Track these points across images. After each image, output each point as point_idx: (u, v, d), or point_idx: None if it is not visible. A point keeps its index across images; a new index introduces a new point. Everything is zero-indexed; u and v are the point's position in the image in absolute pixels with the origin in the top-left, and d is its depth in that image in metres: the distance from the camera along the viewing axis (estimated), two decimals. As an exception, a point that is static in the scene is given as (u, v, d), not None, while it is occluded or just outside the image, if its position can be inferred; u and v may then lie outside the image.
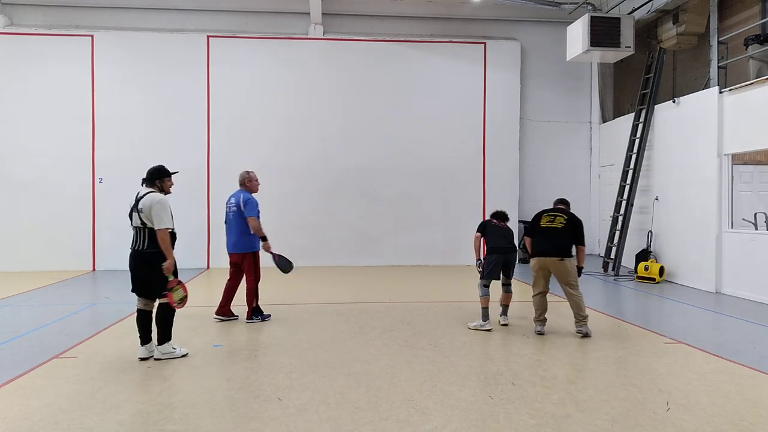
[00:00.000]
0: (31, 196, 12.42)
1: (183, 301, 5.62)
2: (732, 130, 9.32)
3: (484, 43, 13.62)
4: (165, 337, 5.53)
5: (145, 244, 5.38)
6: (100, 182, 12.62)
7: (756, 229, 9.80)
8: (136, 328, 5.55)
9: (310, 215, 13.16)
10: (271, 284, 10.59)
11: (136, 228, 5.46)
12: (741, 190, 10.13)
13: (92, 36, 12.65)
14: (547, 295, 6.75)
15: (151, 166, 5.73)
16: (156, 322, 5.51)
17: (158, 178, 5.63)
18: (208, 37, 12.92)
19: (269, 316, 7.34)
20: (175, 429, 3.86)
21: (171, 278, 5.44)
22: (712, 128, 9.59)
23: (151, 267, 5.35)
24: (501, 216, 7.23)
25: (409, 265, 13.26)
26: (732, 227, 9.52)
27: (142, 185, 5.60)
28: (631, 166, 11.86)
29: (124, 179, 12.49)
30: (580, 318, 6.46)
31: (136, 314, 5.58)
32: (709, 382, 4.83)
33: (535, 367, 5.23)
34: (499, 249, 6.89)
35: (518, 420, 4.00)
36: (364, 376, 4.96)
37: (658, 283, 10.50)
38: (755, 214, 10.03)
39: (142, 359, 5.49)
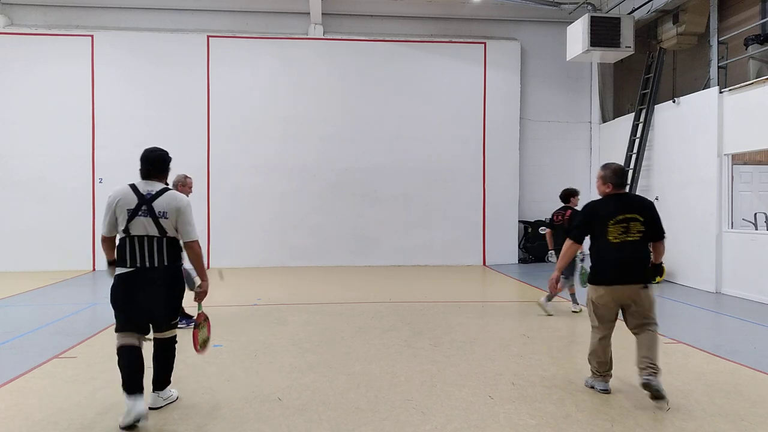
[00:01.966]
0: (31, 196, 12.43)
1: (206, 344, 4.44)
2: (732, 130, 9.32)
3: (484, 43, 13.62)
4: (168, 378, 4.25)
5: (160, 259, 3.97)
6: (100, 182, 12.62)
7: (756, 229, 9.81)
8: (120, 375, 3.91)
9: (310, 215, 13.16)
10: (271, 284, 10.61)
11: (144, 238, 3.94)
12: (741, 190, 10.13)
13: (92, 36, 12.65)
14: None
15: (150, 150, 4.20)
16: (158, 361, 4.17)
17: (167, 167, 4.27)
18: (208, 37, 12.92)
19: (192, 318, 6.14)
20: (175, 429, 3.86)
21: (200, 310, 4.34)
22: (712, 128, 9.58)
23: (170, 290, 4.07)
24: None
25: (409, 265, 13.26)
26: (732, 227, 9.52)
27: (146, 178, 4.13)
28: (631, 166, 11.86)
29: (124, 179, 12.46)
30: (653, 365, 4.24)
31: (121, 354, 3.92)
32: (709, 382, 4.83)
33: (535, 367, 5.23)
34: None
35: (518, 420, 4.00)
36: (364, 376, 4.96)
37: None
38: (755, 214, 10.03)
39: (135, 423, 3.79)
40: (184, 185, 6.61)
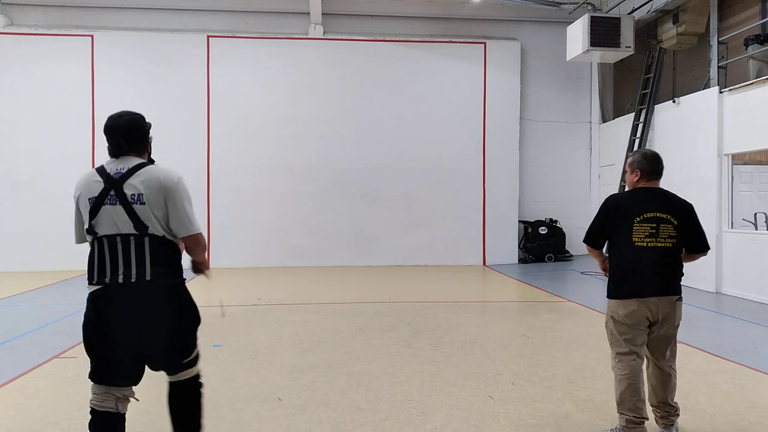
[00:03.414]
0: (31, 196, 12.43)
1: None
2: (732, 130, 9.32)
3: (484, 43, 13.62)
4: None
5: (140, 271, 2.72)
6: (100, 182, 12.60)
7: (756, 229, 9.81)
8: None
9: (310, 215, 13.16)
10: (271, 284, 10.60)
11: (116, 239, 2.73)
12: (741, 190, 10.14)
13: (92, 36, 12.65)
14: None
15: (116, 117, 2.90)
16: (174, 411, 3.02)
17: (147, 135, 3.00)
18: (208, 37, 12.92)
19: None
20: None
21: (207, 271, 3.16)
22: (712, 128, 9.58)
23: (173, 312, 2.84)
24: None
25: (409, 265, 13.26)
26: (732, 227, 9.52)
27: (117, 155, 2.85)
28: (631, 166, 11.85)
29: (124, 179, 12.52)
30: (673, 408, 3.67)
31: (91, 422, 2.83)
32: (709, 382, 4.83)
33: (535, 367, 5.23)
34: None
35: (518, 420, 4.00)
36: (364, 376, 4.96)
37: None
38: (755, 214, 10.03)
39: None
40: None
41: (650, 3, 11.07)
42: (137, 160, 2.86)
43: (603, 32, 10.49)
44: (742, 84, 9.10)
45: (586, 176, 14.33)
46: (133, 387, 2.94)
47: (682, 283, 3.62)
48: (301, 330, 6.79)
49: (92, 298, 2.78)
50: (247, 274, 11.74)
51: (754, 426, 3.91)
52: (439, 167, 13.49)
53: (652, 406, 3.67)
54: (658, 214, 3.53)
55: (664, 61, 11.72)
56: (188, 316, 2.94)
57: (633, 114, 12.11)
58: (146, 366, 2.91)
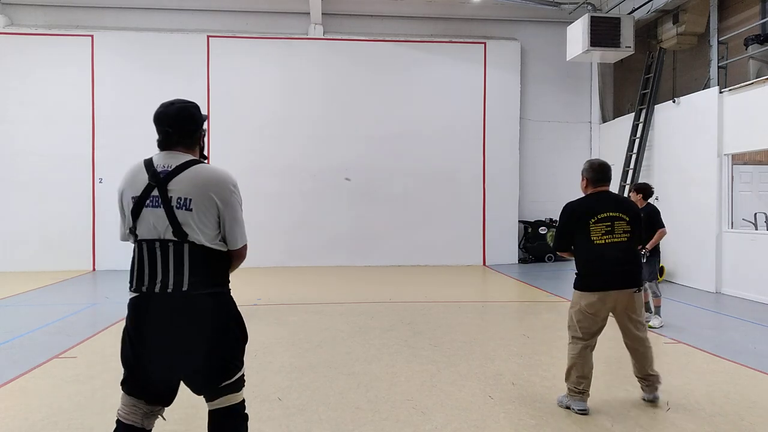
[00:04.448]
0: (31, 196, 12.42)
1: None
2: (732, 130, 9.32)
3: (484, 43, 13.62)
4: None
5: (178, 281, 2.47)
6: (100, 182, 12.62)
7: (756, 229, 9.81)
8: None
9: (310, 215, 13.15)
10: (271, 284, 10.60)
11: (155, 244, 2.50)
12: (741, 190, 10.14)
13: (92, 36, 12.65)
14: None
15: (167, 105, 2.69)
16: None
17: (201, 128, 2.70)
18: (208, 37, 12.92)
19: None
20: (175, 429, 3.86)
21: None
22: (712, 128, 9.59)
23: (215, 328, 2.55)
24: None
25: (409, 265, 13.26)
26: (732, 227, 9.53)
27: (166, 148, 2.60)
28: (631, 166, 11.86)
29: (124, 179, 12.51)
30: (653, 377, 4.29)
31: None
32: (709, 382, 4.83)
33: (535, 367, 5.23)
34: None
35: (518, 420, 4.00)
36: (364, 376, 4.96)
37: (658, 283, 10.47)
38: (755, 214, 10.04)
39: None
40: None
41: (650, 3, 11.07)
42: (186, 157, 2.57)
43: (603, 32, 10.49)
44: (742, 84, 9.10)
45: (586, 176, 14.30)
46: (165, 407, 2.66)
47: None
48: (301, 330, 6.79)
49: (131, 306, 2.55)
50: (247, 274, 11.70)
51: (754, 426, 3.91)
52: (439, 167, 13.48)
53: (636, 377, 4.32)
54: (610, 214, 4.05)
55: (664, 61, 11.72)
56: (230, 332, 2.61)
57: (633, 114, 12.11)
58: (186, 386, 2.62)
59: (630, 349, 4.28)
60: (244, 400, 2.70)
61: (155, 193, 2.46)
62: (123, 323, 2.64)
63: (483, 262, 13.57)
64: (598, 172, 4.18)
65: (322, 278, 11.27)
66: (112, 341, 6.25)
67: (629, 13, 11.13)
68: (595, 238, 4.04)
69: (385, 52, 13.40)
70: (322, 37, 13.22)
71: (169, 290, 2.44)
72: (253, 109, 13.03)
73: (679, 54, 11.76)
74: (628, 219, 4.07)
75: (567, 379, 4.19)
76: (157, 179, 2.47)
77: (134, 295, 2.53)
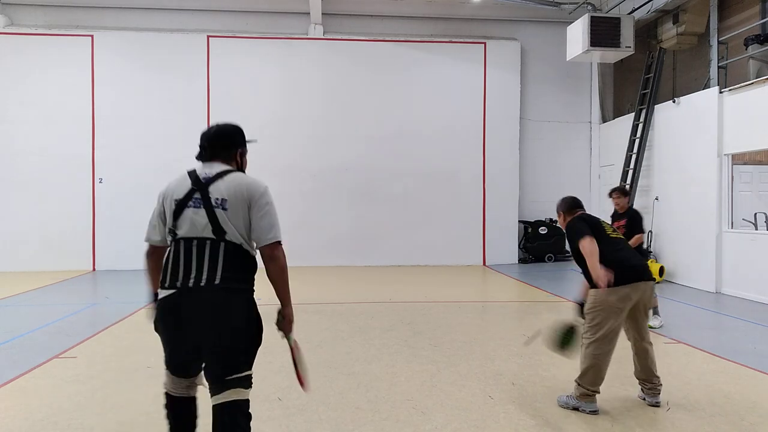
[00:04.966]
0: (31, 196, 12.42)
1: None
2: (732, 130, 9.32)
3: (484, 43, 13.62)
4: None
5: (211, 275, 2.67)
6: (100, 182, 12.62)
7: (756, 229, 9.81)
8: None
9: (310, 215, 13.15)
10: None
11: (192, 242, 2.72)
12: (741, 190, 10.13)
13: (92, 36, 12.65)
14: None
15: (217, 126, 3.10)
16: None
17: (240, 145, 3.13)
18: (208, 37, 12.92)
19: None
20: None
21: (290, 342, 3.03)
22: (712, 128, 9.58)
23: (236, 322, 2.70)
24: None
25: (409, 265, 13.26)
26: (732, 227, 9.53)
27: (205, 160, 2.93)
28: (631, 166, 11.86)
29: (124, 179, 12.52)
30: (657, 379, 4.30)
31: (167, 403, 2.96)
32: (709, 382, 4.83)
33: (535, 367, 5.22)
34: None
35: (518, 420, 4.00)
36: (364, 376, 4.96)
37: (658, 283, 10.48)
38: (755, 214, 10.03)
39: None
40: None
41: (650, 3, 11.07)
42: (224, 167, 2.88)
43: (603, 32, 10.49)
44: (742, 84, 9.10)
45: (586, 176, 14.33)
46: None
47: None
48: (301, 330, 6.77)
49: (163, 304, 2.74)
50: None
51: (754, 426, 3.91)
52: (439, 167, 13.49)
53: (640, 379, 4.30)
54: (611, 217, 4.41)
55: (664, 61, 11.72)
56: (248, 329, 2.76)
57: (633, 114, 12.11)
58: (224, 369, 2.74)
59: (639, 349, 4.23)
60: (248, 401, 2.79)
61: (197, 195, 2.75)
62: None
63: (483, 262, 13.57)
64: (570, 201, 4.53)
65: (322, 278, 11.27)
66: (112, 341, 6.25)
67: (629, 13, 11.13)
68: (611, 233, 4.29)
69: (385, 52, 13.40)
70: (322, 37, 13.22)
71: (202, 284, 2.65)
72: (253, 109, 13.02)
73: (679, 54, 11.76)
74: (624, 220, 4.59)
75: (582, 379, 4.09)
76: (200, 184, 2.78)
77: (168, 292, 2.71)
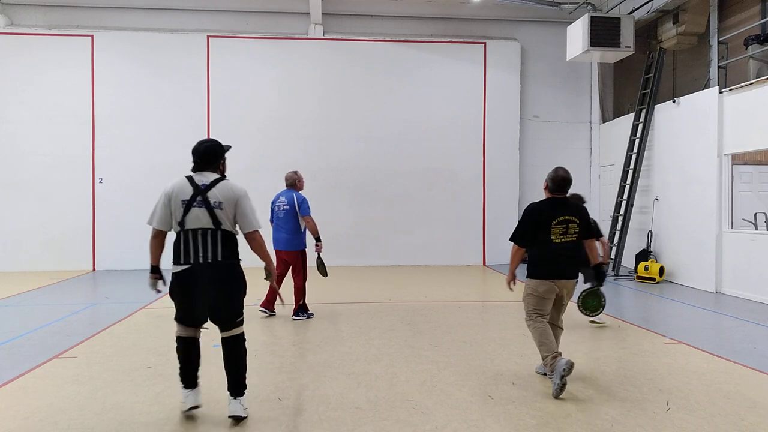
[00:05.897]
0: (31, 196, 12.42)
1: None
2: (732, 130, 9.31)
3: (484, 43, 13.62)
4: (243, 380, 4.12)
5: (214, 254, 3.90)
6: (100, 182, 12.62)
7: (756, 229, 9.80)
8: (178, 365, 4.08)
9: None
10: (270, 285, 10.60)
11: (198, 232, 3.89)
12: (741, 190, 10.13)
13: (92, 36, 12.65)
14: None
15: (199, 143, 4.11)
16: (229, 362, 4.06)
17: (221, 157, 4.12)
18: (208, 37, 12.92)
19: (312, 314, 7.56)
20: (175, 429, 3.86)
21: (271, 277, 4.44)
22: (712, 128, 9.58)
23: (233, 283, 4.02)
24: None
25: (409, 265, 13.25)
26: (732, 227, 9.52)
27: (198, 170, 4.02)
28: (631, 166, 11.86)
29: (124, 179, 12.52)
30: (559, 353, 4.66)
31: (179, 343, 4.07)
32: (709, 382, 4.83)
33: (535, 367, 5.22)
34: None
35: (518, 420, 4.00)
36: (364, 376, 4.96)
37: (658, 283, 10.49)
38: (755, 214, 10.02)
39: (191, 409, 4.07)
40: (299, 180, 7.70)
41: (650, 3, 11.06)
42: (214, 175, 4.01)
43: (603, 32, 10.48)
44: (742, 84, 9.10)
45: (586, 176, 14.32)
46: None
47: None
48: (301, 330, 6.79)
49: (180, 274, 3.91)
50: (247, 274, 11.69)
51: (754, 426, 3.91)
52: (439, 167, 13.49)
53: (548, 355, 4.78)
54: (566, 217, 4.80)
55: (664, 61, 11.72)
56: (241, 288, 4.12)
57: (633, 114, 12.11)
58: (209, 319, 4.04)
59: (553, 327, 4.96)
60: (243, 333, 4.15)
61: (199, 198, 3.90)
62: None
63: (483, 262, 13.57)
64: (557, 185, 4.88)
65: (322, 278, 11.23)
66: (112, 341, 6.25)
67: (629, 13, 11.12)
68: (554, 237, 4.78)
69: (385, 52, 13.40)
70: (322, 37, 13.22)
71: (209, 261, 3.91)
72: (252, 108, 13.03)
73: (679, 54, 11.76)
74: (578, 221, 4.84)
75: (541, 348, 4.67)
76: (200, 190, 3.93)
77: (183, 267, 3.90)
